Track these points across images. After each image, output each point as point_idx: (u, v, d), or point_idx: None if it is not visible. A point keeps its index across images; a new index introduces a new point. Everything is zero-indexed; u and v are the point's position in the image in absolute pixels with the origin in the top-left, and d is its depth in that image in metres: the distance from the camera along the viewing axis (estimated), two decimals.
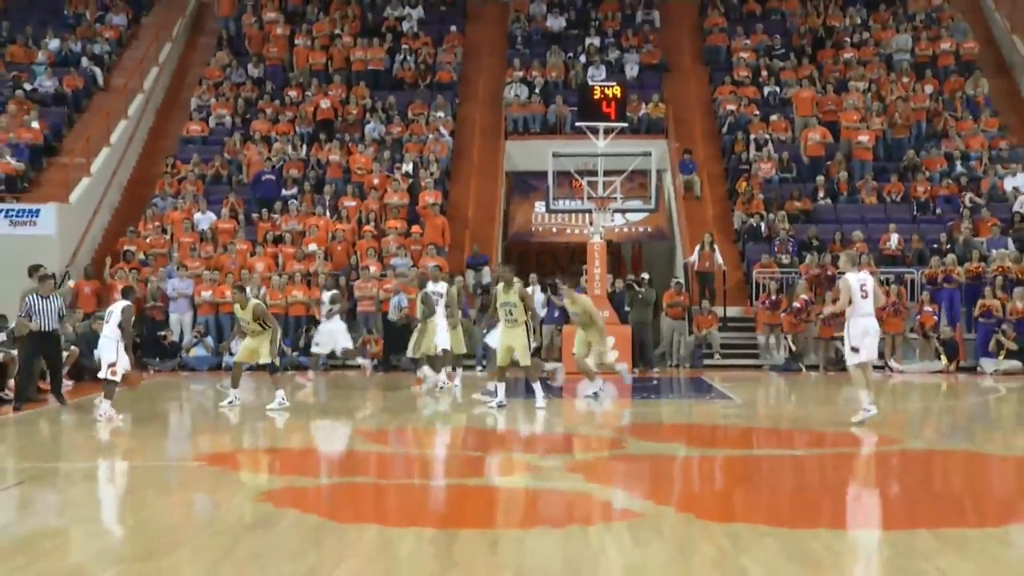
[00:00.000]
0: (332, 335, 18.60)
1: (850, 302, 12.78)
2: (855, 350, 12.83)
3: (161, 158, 27.41)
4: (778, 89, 28.66)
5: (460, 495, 8.96)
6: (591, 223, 22.01)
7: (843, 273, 13.55)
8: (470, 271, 23.98)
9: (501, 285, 14.46)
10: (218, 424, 13.78)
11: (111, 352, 13.38)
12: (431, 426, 13.39)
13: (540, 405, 14.27)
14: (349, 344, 18.96)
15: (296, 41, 30.25)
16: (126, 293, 14.21)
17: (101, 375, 13.43)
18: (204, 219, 24.49)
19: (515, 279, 14.70)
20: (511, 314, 14.29)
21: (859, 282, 12.88)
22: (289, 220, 24.32)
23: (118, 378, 13.50)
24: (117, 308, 13.61)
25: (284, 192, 25.38)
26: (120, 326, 13.43)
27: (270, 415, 13.77)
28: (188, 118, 28.49)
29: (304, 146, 27.19)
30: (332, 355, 19.21)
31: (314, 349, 18.92)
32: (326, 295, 19.14)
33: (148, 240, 23.91)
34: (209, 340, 22.01)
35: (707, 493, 9.35)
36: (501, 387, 14.40)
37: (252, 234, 24.22)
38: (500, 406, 14.22)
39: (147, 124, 28.95)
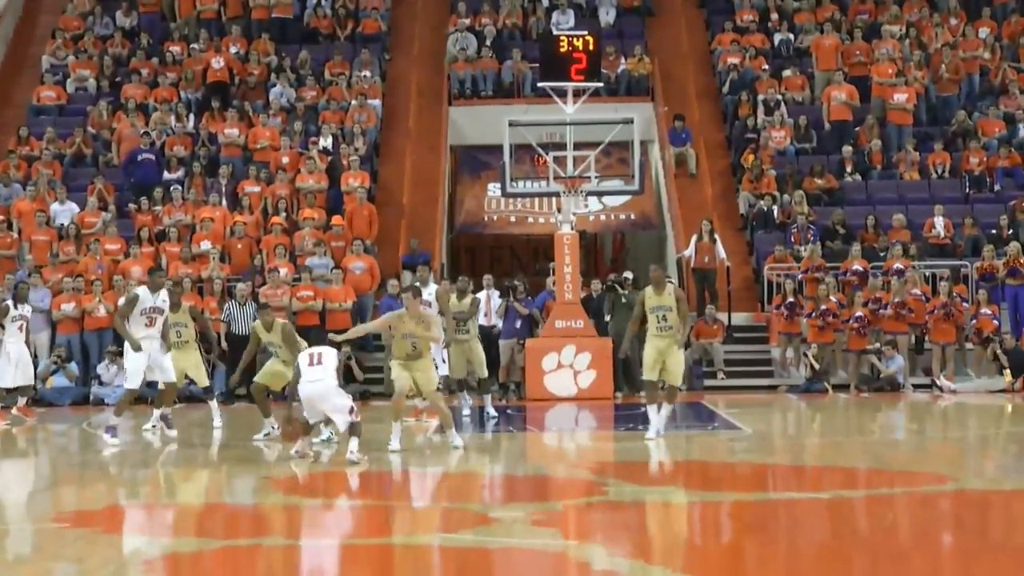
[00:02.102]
0: (16, 363, 18.33)
1: None
2: None
3: (4, 133, 27.14)
4: (792, 36, 28.86)
5: (394, 558, 8.95)
6: (559, 210, 22.05)
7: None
8: (406, 272, 23.93)
9: (650, 288, 14.94)
10: (86, 474, 13.67)
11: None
12: (360, 471, 13.36)
13: (650, 436, 14.76)
14: (31, 377, 18.82)
15: None
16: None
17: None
18: (63, 211, 24.29)
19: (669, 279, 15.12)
20: (665, 319, 14.72)
21: None
22: (174, 211, 24.17)
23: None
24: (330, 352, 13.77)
25: (167, 175, 25.23)
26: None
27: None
28: (39, 81, 28.24)
29: (192, 116, 27.02)
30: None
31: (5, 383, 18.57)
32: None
33: None
34: (72, 367, 21.83)
35: (710, 549, 9.41)
36: (653, 410, 14.89)
37: (127, 230, 24.05)
38: (659, 434, 14.81)
39: None
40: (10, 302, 18.44)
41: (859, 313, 21.88)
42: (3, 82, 29.17)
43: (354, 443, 13.17)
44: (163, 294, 15.24)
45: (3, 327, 18.32)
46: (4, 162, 25.78)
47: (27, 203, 24.33)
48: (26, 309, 18.58)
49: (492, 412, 17.79)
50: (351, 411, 13.38)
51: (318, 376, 13.43)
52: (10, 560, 8.99)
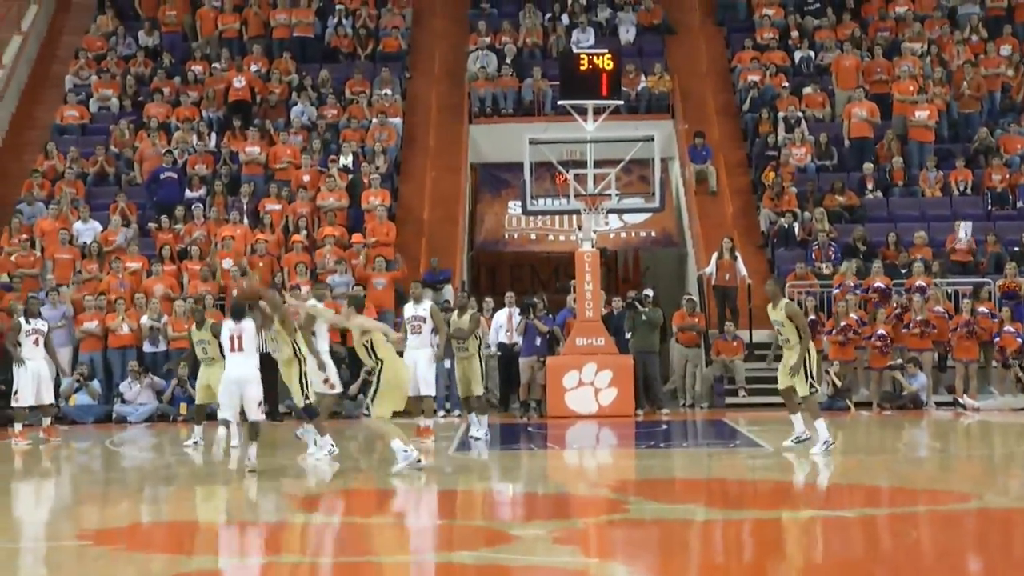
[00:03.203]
0: (36, 380, 18.04)
1: None
2: None
3: (28, 152, 27.25)
4: (812, 54, 28.82)
5: None
6: (579, 227, 22.05)
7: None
8: (427, 290, 23.93)
9: (771, 303, 15.59)
10: (109, 491, 13.70)
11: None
12: (382, 488, 13.37)
13: (815, 451, 15.09)
14: (50, 397, 18.49)
15: (201, 0, 30.20)
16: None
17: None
18: (86, 230, 24.38)
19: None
20: (780, 333, 15.46)
21: None
22: (195, 229, 24.23)
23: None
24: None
25: (189, 194, 25.29)
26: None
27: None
28: (62, 101, 28.37)
29: (213, 135, 27.09)
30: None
31: (21, 402, 18.11)
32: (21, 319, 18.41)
33: (13, 257, 23.75)
34: (95, 385, 21.88)
35: (732, 567, 9.38)
36: (797, 420, 15.43)
37: (148, 248, 24.13)
38: (801, 441, 15.35)
39: (8, 109, 28.82)
40: (22, 319, 18.38)
41: (881, 331, 21.81)
42: (27, 102, 29.30)
43: (252, 449, 13.27)
44: None
45: (19, 344, 18.29)
46: (28, 181, 25.87)
47: (50, 222, 24.41)
48: (40, 323, 18.45)
49: (477, 435, 17.16)
50: (260, 405, 13.64)
51: (240, 361, 13.59)
52: None
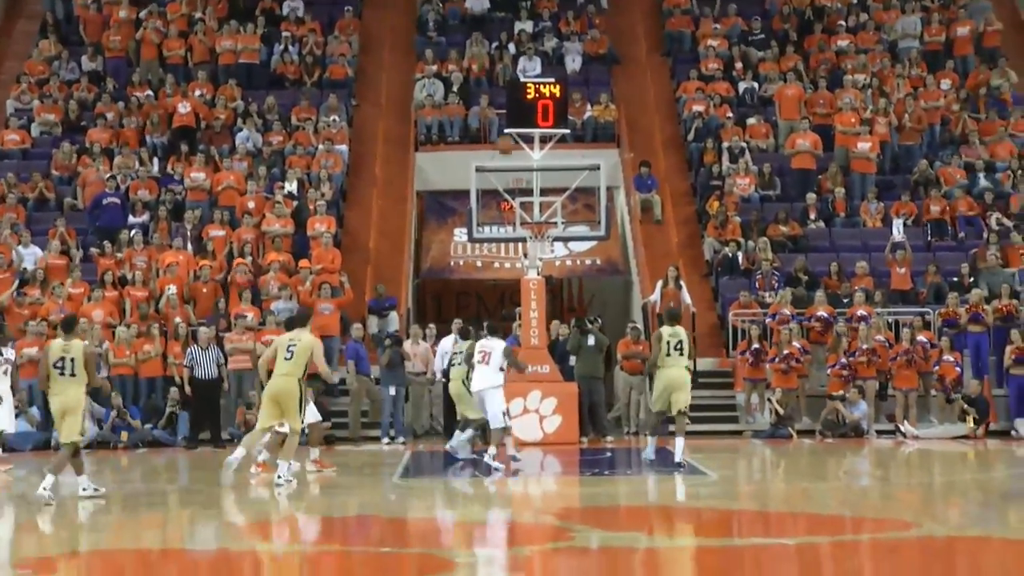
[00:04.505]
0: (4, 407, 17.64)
1: None
2: None
3: None
4: (756, 85, 29.05)
5: None
6: (525, 255, 22.07)
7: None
8: (372, 317, 23.90)
9: (667, 327, 16.88)
10: (47, 518, 13.53)
11: None
12: (324, 515, 13.29)
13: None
14: (10, 426, 18.18)
15: (145, 26, 30.04)
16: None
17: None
18: (27, 255, 24.15)
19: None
20: (679, 349, 16.76)
21: None
22: (137, 255, 24.06)
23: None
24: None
25: (131, 219, 25.11)
26: None
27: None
28: (3, 125, 28.14)
29: (157, 160, 26.94)
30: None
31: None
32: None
33: None
34: (34, 411, 21.62)
35: None
36: (680, 442, 16.61)
37: (90, 273, 23.93)
38: (679, 466, 16.38)
39: None
40: None
41: (844, 360, 21.96)
42: None
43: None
44: None
45: None
46: None
47: None
48: (10, 352, 18.26)
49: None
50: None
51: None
52: None
